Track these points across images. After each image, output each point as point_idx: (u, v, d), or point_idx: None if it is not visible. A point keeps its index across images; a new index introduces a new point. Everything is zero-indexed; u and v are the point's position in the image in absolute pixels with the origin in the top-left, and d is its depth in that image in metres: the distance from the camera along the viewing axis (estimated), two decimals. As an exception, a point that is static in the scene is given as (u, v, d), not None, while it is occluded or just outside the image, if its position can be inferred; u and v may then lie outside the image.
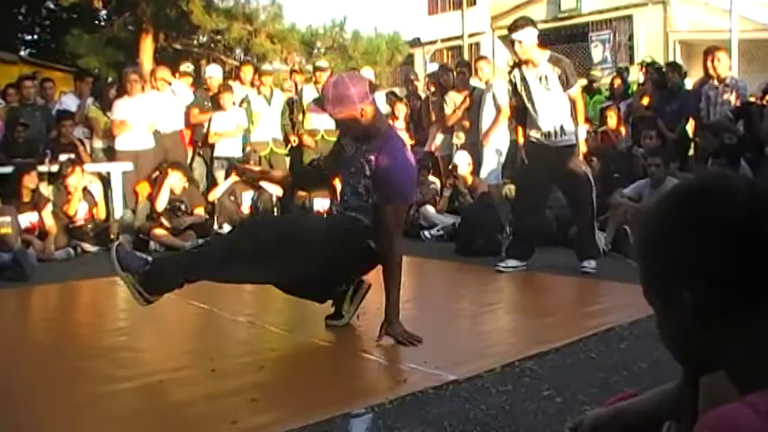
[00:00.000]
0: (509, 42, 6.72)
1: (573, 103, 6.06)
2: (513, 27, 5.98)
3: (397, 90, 11.99)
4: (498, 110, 8.85)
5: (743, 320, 1.08)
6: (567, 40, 21.79)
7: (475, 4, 25.19)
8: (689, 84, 9.40)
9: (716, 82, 8.17)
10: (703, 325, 1.11)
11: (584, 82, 9.75)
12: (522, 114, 6.30)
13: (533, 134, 6.11)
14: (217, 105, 9.51)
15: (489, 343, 4.09)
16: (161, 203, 8.22)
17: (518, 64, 6.09)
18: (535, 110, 6.02)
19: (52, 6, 21.27)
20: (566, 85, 5.94)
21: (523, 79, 6.03)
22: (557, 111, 5.98)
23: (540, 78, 5.94)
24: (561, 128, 5.99)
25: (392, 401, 3.06)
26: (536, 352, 3.69)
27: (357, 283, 4.42)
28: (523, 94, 6.06)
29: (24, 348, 4.24)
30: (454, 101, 9.41)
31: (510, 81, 6.33)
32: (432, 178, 9.30)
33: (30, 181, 7.69)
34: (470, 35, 23.93)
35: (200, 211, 8.49)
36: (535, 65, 5.94)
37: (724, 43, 10.47)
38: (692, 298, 1.09)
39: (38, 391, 3.36)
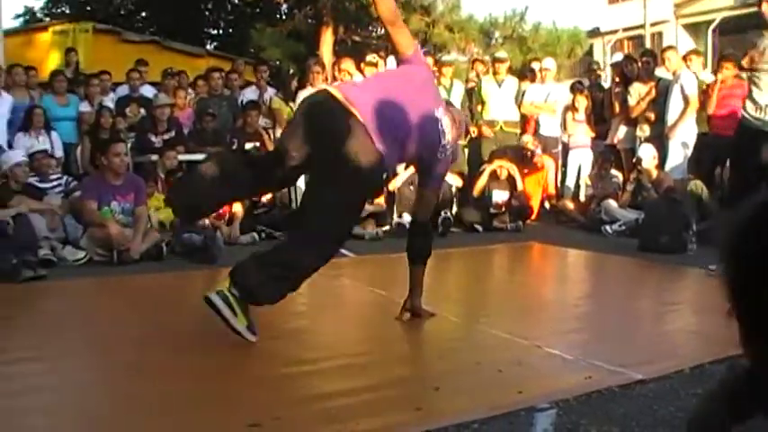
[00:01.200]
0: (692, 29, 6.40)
1: None
2: None
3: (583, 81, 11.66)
4: (686, 101, 8.48)
5: None
6: (756, 28, 20.58)
7: (657, -9, 24.29)
8: None
9: None
10: None
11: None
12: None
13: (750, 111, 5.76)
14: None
15: (675, 343, 3.95)
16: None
17: None
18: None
19: (236, 2, 22.21)
20: None
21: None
22: None
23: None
24: None
25: (577, 398, 3.00)
26: (727, 355, 3.52)
27: None
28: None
29: (214, 328, 4.45)
30: (639, 92, 9.10)
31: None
32: (614, 172, 9.06)
33: (219, 168, 8.02)
34: (653, 24, 23.05)
35: (379, 200, 8.63)
36: None
37: None
38: None
39: (229, 368, 3.52)
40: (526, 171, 9.32)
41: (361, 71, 10.21)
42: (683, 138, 8.55)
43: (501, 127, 9.81)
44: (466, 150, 10.19)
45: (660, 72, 9.34)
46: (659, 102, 8.91)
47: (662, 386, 3.14)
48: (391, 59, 10.70)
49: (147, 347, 3.82)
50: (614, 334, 3.98)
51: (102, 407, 3.08)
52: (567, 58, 18.82)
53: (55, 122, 8.88)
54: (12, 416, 2.93)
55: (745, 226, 1.05)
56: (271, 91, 10.51)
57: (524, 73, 11.46)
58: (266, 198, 8.52)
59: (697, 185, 7.74)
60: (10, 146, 8.24)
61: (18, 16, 23.20)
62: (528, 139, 9.56)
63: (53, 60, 13.99)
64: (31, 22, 21.34)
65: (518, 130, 10.05)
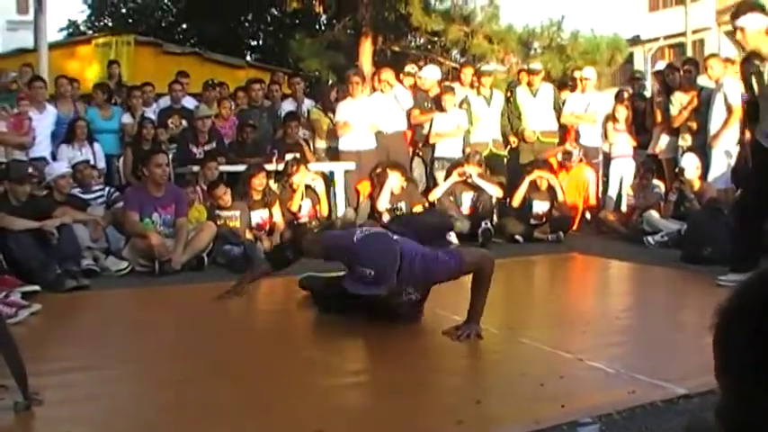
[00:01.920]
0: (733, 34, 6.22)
1: None
2: (735, 13, 5.52)
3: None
4: (729, 110, 8.37)
5: None
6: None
7: (698, -3, 24.06)
8: None
9: None
10: None
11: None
12: (754, 112, 5.83)
13: (761, 136, 5.62)
14: (438, 106, 9.63)
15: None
16: (382, 203, 8.43)
17: (750, 56, 5.62)
18: (764, 107, 5.54)
19: (276, 13, 22.32)
20: None
21: (758, 73, 5.57)
22: None
23: None
24: None
25: (620, 413, 2.96)
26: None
27: None
28: (756, 88, 5.59)
29: (255, 336, 4.47)
30: (680, 101, 8.99)
31: (743, 74, 5.85)
32: (656, 182, 8.95)
33: (259, 180, 8.08)
34: (694, 31, 22.87)
35: (419, 210, 8.63)
36: (764, 56, 5.38)
37: None
38: None
39: (270, 377, 3.53)
40: (566, 172, 9.30)
41: (400, 81, 10.23)
42: (727, 147, 8.43)
43: (538, 138, 9.78)
44: (505, 160, 10.16)
45: (702, 81, 9.24)
46: (701, 111, 8.80)
47: (706, 401, 3.09)
48: (428, 68, 10.73)
49: (189, 357, 3.85)
50: (657, 347, 3.93)
51: (147, 416, 3.11)
52: (608, 66, 18.65)
53: (98, 134, 9.02)
54: (57, 425, 2.96)
55: (741, 303, 1.08)
56: (308, 102, 10.57)
57: (565, 82, 11.41)
58: (307, 209, 8.57)
59: (740, 196, 7.63)
60: (54, 157, 8.37)
61: (62, 29, 23.55)
62: (568, 146, 9.56)
63: (95, 72, 14.22)
64: (75, 35, 21.65)
65: (556, 140, 10.01)
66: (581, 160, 9.52)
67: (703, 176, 8.31)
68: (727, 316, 1.11)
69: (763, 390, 1.05)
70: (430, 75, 10.28)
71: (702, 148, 8.63)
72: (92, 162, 8.28)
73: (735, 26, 5.55)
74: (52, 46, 13.20)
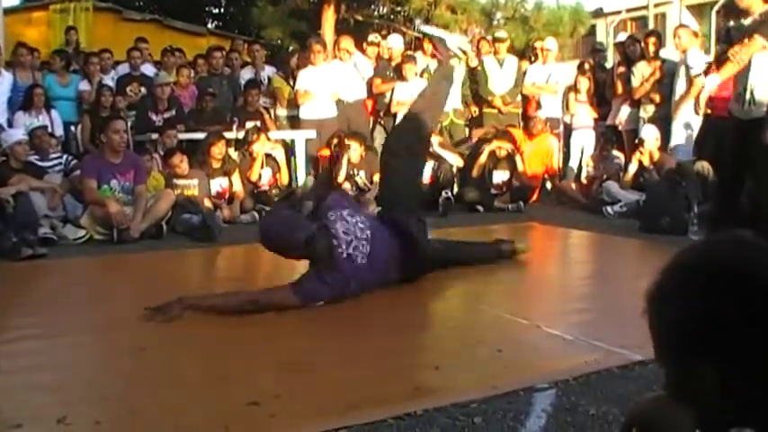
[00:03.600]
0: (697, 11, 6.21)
1: None
2: None
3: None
4: (690, 82, 8.42)
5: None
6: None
7: (661, -30, 24.12)
8: None
9: None
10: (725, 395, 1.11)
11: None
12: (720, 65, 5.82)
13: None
14: (399, 76, 9.59)
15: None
16: (341, 174, 8.39)
17: (732, 11, 5.64)
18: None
19: (238, -20, 22.03)
20: None
21: (737, 29, 5.59)
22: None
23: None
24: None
25: (576, 378, 2.99)
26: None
27: None
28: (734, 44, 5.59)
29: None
30: (642, 72, 9.05)
31: (720, 29, 5.88)
32: (616, 153, 9.02)
33: (219, 148, 8.01)
34: (656, 5, 22.92)
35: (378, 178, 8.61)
36: (749, 13, 5.44)
37: None
38: (717, 374, 1.10)
39: (228, 346, 3.52)
40: (530, 140, 9.37)
41: (362, 50, 10.17)
42: (687, 119, 8.49)
43: (505, 100, 9.88)
44: (467, 129, 10.18)
45: (665, 53, 9.28)
46: (664, 83, 8.85)
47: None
48: (393, 38, 10.68)
49: (147, 325, 3.82)
50: (615, 315, 3.97)
51: (106, 383, 3.09)
52: (570, 38, 18.70)
53: (55, 102, 8.88)
54: (17, 393, 2.94)
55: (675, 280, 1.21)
56: (269, 70, 10.47)
57: (527, 53, 11.42)
58: (267, 178, 8.53)
59: (704, 167, 7.68)
60: (10, 124, 8.23)
61: (18, -6, 23.03)
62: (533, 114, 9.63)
63: (53, 39, 13.95)
64: (31, 0, 21.20)
65: (519, 110, 10.04)
66: (543, 129, 9.55)
67: (663, 148, 8.38)
68: (654, 302, 1.21)
69: (701, 363, 1.10)
70: (396, 44, 10.26)
71: (664, 120, 8.69)
72: (49, 129, 8.15)
73: None
74: (8, 11, 12.93)
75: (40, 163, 7.60)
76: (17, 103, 8.55)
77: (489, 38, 11.19)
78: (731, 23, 5.64)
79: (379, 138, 9.81)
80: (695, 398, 1.16)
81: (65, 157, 8.01)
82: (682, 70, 8.54)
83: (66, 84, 9.37)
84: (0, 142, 7.21)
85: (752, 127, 5.58)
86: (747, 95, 5.59)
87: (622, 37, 10.78)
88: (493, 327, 3.87)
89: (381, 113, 9.89)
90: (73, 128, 9.14)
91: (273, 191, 8.50)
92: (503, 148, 8.85)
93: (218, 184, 7.99)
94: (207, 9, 23.14)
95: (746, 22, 5.55)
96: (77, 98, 9.38)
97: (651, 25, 20.78)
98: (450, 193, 8.34)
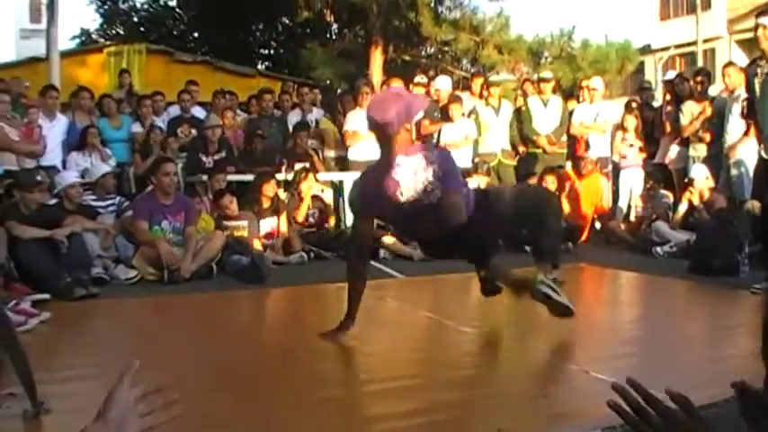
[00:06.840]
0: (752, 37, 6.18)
1: None
2: (761, 12, 5.53)
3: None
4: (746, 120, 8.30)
5: None
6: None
7: (710, 7, 23.93)
8: None
9: None
10: None
11: None
12: (752, 111, 5.79)
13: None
14: (446, 116, 9.64)
15: (727, 368, 3.85)
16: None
17: (758, 58, 5.61)
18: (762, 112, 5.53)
19: (287, 22, 22.40)
20: None
21: (762, 75, 5.55)
22: None
23: None
24: None
25: (623, 425, 2.95)
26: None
27: None
28: (757, 91, 5.56)
29: (262, 347, 4.47)
30: (691, 111, 8.98)
31: (746, 76, 5.84)
32: (664, 192, 8.94)
33: (269, 188, 8.11)
34: (705, 41, 22.79)
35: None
36: None
37: None
38: None
39: (277, 388, 3.54)
40: (580, 180, 9.30)
41: (410, 91, 10.24)
42: (743, 158, 8.34)
43: (550, 140, 9.85)
44: (514, 170, 10.17)
45: (713, 91, 9.20)
46: (714, 121, 8.77)
47: (711, 413, 3.08)
48: (441, 79, 10.75)
49: (195, 367, 3.85)
50: (664, 359, 3.91)
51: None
52: (618, 75, 18.64)
53: (108, 144, 9.08)
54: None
55: None
56: (317, 112, 10.60)
57: (574, 92, 11.42)
58: (315, 218, 8.60)
59: (754, 206, 7.57)
60: (64, 165, 8.43)
61: (74, 38, 23.70)
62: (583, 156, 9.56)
63: (106, 81, 14.29)
64: (87, 44, 21.77)
65: (564, 151, 10.02)
66: (593, 170, 9.48)
67: (714, 187, 8.27)
68: None
69: None
70: (443, 86, 10.31)
71: (715, 159, 8.59)
72: (105, 166, 8.37)
73: (758, 23, 5.57)
74: (64, 54, 13.28)
75: (93, 203, 7.77)
76: (72, 145, 8.77)
77: (534, 78, 11.22)
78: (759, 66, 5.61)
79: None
80: None
81: (118, 198, 8.17)
82: (735, 108, 8.42)
83: (118, 126, 9.58)
84: (54, 184, 7.38)
85: None
86: None
87: (671, 75, 10.72)
88: (540, 371, 3.85)
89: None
90: (126, 169, 9.32)
91: (321, 231, 8.56)
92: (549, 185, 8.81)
93: (267, 224, 8.07)
94: (257, 50, 23.54)
95: None
96: (130, 140, 9.58)
97: (700, 61, 20.64)
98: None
